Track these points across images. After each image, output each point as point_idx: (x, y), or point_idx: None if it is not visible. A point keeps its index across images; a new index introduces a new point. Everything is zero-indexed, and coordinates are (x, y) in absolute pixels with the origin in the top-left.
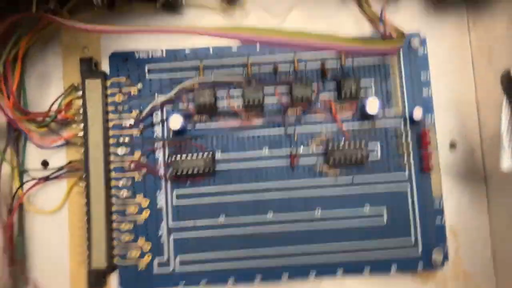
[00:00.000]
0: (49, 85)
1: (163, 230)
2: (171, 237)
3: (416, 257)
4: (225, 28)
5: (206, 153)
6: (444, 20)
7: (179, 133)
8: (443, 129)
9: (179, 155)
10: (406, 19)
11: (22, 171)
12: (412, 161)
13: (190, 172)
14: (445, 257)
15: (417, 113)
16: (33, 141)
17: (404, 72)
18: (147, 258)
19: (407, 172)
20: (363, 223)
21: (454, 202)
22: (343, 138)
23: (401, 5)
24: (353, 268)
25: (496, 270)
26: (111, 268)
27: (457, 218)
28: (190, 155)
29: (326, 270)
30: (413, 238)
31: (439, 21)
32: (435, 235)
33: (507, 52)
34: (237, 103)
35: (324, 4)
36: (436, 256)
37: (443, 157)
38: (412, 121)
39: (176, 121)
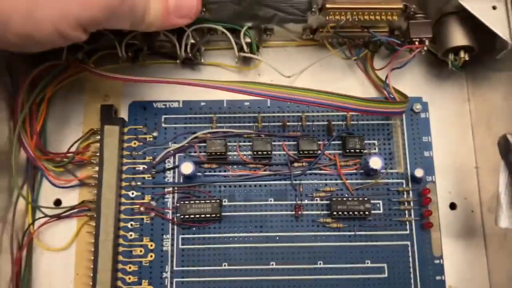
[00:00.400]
0: (69, 129)
1: (167, 274)
2: (174, 281)
3: None
4: (241, 83)
5: (213, 200)
6: (445, 88)
7: (189, 179)
8: (444, 190)
9: (187, 201)
10: (409, 85)
11: (35, 208)
12: (413, 219)
13: (197, 217)
14: None
15: (419, 172)
16: (49, 179)
17: (407, 134)
18: None
19: (408, 229)
20: (364, 277)
21: (454, 262)
22: (347, 193)
23: (405, 72)
24: None
25: None
26: None
27: (457, 278)
28: (198, 201)
29: None
30: None
31: (441, 89)
32: None
33: (504, 119)
34: (246, 154)
35: (332, 68)
36: None
37: (444, 217)
38: (413, 179)
39: (187, 167)
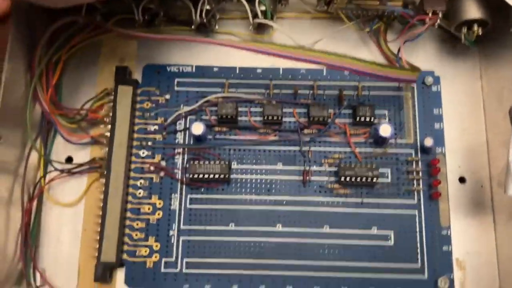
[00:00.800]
0: (83, 89)
1: (174, 232)
2: (181, 239)
3: (422, 283)
4: (256, 43)
5: (223, 161)
6: (457, 64)
7: (199, 141)
8: (453, 164)
9: (197, 161)
10: (421, 60)
11: (47, 161)
12: (421, 188)
13: (206, 177)
14: (451, 286)
15: (428, 141)
16: (62, 135)
17: (418, 106)
18: (155, 258)
19: (415, 199)
20: (370, 244)
21: (461, 235)
22: (356, 161)
23: (417, 48)
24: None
25: None
26: (119, 263)
27: (464, 251)
28: (207, 161)
29: (330, 286)
30: (419, 264)
31: (453, 65)
32: (442, 263)
33: None
34: (256, 120)
35: (345, 41)
36: (443, 284)
37: (452, 190)
38: (423, 150)
39: (198, 127)
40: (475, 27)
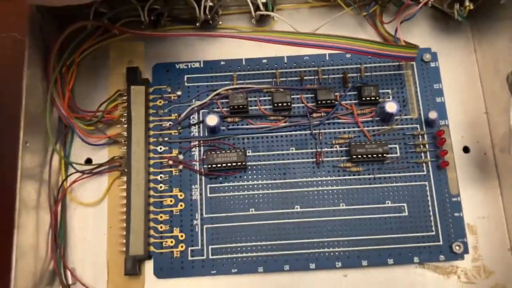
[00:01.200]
0: (96, 92)
1: (197, 221)
2: (204, 227)
3: (438, 249)
4: (260, 32)
5: (238, 149)
6: (452, 40)
7: (213, 132)
8: (457, 135)
9: (213, 151)
10: (417, 39)
11: (67, 164)
12: (429, 160)
13: (223, 166)
14: (466, 250)
15: (433, 114)
16: (81, 137)
17: (419, 82)
18: (181, 247)
19: (425, 170)
20: (385, 217)
21: (470, 201)
22: (365, 139)
23: (413, 28)
24: (377, 260)
25: None
26: (147, 255)
27: (475, 216)
28: (223, 151)
29: (351, 261)
30: (434, 231)
31: (448, 41)
32: (455, 229)
33: (511, 61)
34: (266, 108)
35: (344, 27)
36: (457, 248)
37: (458, 160)
38: (427, 124)
39: (212, 119)
40: (467, 2)
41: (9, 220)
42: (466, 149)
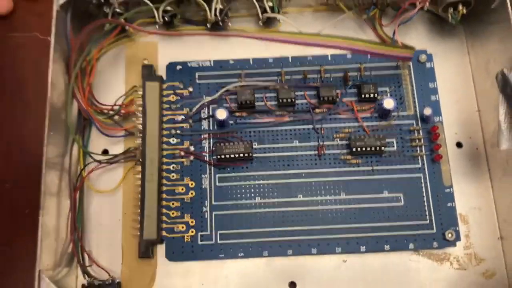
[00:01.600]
0: (113, 87)
1: (207, 208)
2: (213, 214)
3: (431, 236)
4: (267, 32)
5: (245, 141)
6: (446, 43)
7: (222, 126)
8: (450, 131)
9: (222, 143)
10: (414, 41)
11: (86, 153)
12: (424, 153)
13: (231, 156)
14: (458, 238)
15: (427, 110)
16: (99, 129)
17: (415, 81)
18: (191, 233)
19: (420, 163)
20: (382, 206)
21: (462, 193)
22: (364, 134)
23: (410, 31)
24: (375, 246)
25: (505, 253)
26: (159, 240)
27: (467, 206)
28: (231, 143)
29: (350, 247)
30: (428, 220)
31: (443, 43)
32: (448, 218)
33: (501, 60)
34: (272, 104)
35: (346, 29)
36: (450, 236)
37: (451, 154)
38: (423, 120)
39: (222, 113)
40: (460, 7)
41: (35, 203)
42: (459, 145)
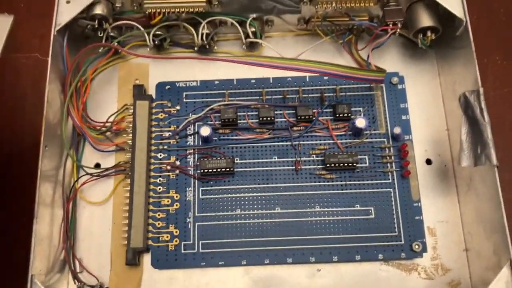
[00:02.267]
0: (106, 105)
1: (190, 219)
2: (196, 225)
3: (399, 248)
4: (249, 57)
5: (227, 157)
6: (418, 65)
7: (206, 142)
8: (421, 148)
9: (206, 158)
10: (387, 64)
11: (79, 167)
12: (394, 170)
13: (214, 171)
14: (424, 249)
15: (397, 129)
16: (91, 144)
17: (387, 102)
18: (175, 242)
19: (390, 178)
20: (354, 219)
21: (430, 207)
22: (338, 150)
23: (384, 54)
24: (347, 256)
25: (469, 264)
26: (146, 248)
27: (435, 220)
28: (214, 158)
29: (323, 256)
30: (396, 232)
31: (414, 66)
32: (415, 231)
33: (465, 84)
34: (253, 121)
35: (324, 53)
36: (417, 247)
37: (421, 170)
38: (393, 138)
39: (206, 130)
40: (429, 33)
41: (30, 212)
42: (428, 161)
